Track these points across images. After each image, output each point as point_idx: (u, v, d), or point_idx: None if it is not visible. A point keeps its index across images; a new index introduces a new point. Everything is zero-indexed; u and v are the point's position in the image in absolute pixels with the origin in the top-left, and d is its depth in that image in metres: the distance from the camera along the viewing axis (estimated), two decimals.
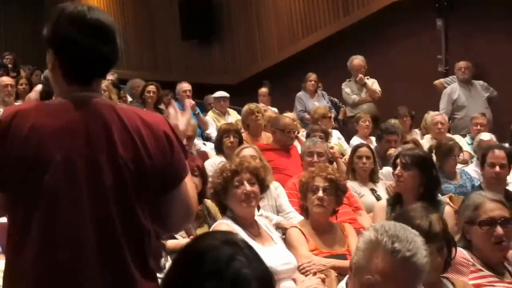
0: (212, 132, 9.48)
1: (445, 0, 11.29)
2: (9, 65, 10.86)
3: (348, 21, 12.60)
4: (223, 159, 6.51)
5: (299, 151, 7.04)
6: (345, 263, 3.98)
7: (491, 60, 10.20)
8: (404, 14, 11.60)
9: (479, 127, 8.87)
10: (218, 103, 10.53)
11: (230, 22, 14.54)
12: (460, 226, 3.90)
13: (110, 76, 12.83)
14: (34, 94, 8.66)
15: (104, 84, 9.95)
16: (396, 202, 4.81)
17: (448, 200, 5.91)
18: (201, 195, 5.16)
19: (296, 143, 7.73)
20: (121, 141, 2.25)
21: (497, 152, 5.65)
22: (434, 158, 7.29)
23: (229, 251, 2.08)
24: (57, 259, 2.22)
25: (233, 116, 10.25)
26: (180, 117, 2.71)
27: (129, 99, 11.10)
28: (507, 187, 5.90)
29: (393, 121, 8.64)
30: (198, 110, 9.67)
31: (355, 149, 6.84)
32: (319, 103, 10.63)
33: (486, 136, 7.75)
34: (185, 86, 10.43)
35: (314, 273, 4.14)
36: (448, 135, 8.85)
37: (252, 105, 8.37)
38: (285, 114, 8.52)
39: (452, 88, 10.15)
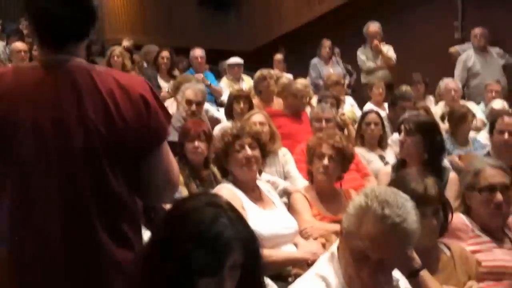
0: (226, 98, 9.48)
1: None
2: (24, 31, 10.85)
3: None
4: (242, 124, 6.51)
5: None
6: None
7: (508, 27, 10.05)
8: None
9: (493, 94, 8.79)
10: (232, 69, 10.52)
11: None
12: (460, 191, 3.89)
13: (126, 42, 12.84)
14: None
15: (118, 50, 10.03)
16: (400, 168, 4.78)
17: (457, 160, 5.89)
18: (208, 161, 5.19)
19: (308, 109, 7.72)
20: (92, 104, 2.23)
21: (507, 119, 5.56)
22: (447, 125, 7.28)
23: (212, 212, 2.10)
24: (27, 220, 2.24)
25: (247, 82, 10.24)
26: None
27: (145, 65, 11.13)
28: None
29: (404, 87, 8.59)
30: (209, 82, 9.65)
31: (364, 115, 6.83)
32: (334, 70, 10.61)
33: (498, 103, 7.69)
34: (198, 52, 10.40)
35: (315, 238, 4.16)
36: (463, 102, 8.78)
37: (264, 71, 8.36)
38: (297, 80, 8.50)
39: (467, 55, 10.02)
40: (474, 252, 3.48)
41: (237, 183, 4.10)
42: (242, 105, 7.10)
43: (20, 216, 2.25)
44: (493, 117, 5.98)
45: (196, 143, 5.18)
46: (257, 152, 4.12)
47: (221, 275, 2.06)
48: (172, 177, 2.45)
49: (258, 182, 4.24)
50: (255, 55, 13.25)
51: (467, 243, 3.56)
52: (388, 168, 5.07)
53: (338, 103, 8.06)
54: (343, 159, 4.60)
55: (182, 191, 5.18)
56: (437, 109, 8.66)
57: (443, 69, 10.12)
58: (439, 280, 3.07)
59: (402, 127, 4.75)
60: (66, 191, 2.21)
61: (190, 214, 2.10)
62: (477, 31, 9.99)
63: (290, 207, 4.51)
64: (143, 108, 2.30)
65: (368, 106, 8.88)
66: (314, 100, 8.55)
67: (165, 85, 9.52)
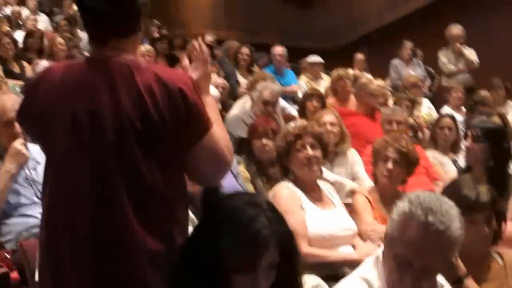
0: None
1: None
2: None
3: None
4: (305, 123, 6.53)
5: None
6: None
7: None
8: None
9: None
10: (311, 68, 10.52)
11: None
12: None
13: (208, 37, 13.02)
14: None
15: None
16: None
17: None
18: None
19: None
20: (128, 98, 2.28)
21: None
22: None
23: (251, 212, 2.14)
24: (58, 207, 2.35)
25: (326, 81, 10.21)
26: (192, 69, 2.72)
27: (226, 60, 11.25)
28: None
29: (483, 92, 8.46)
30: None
31: (438, 119, 6.78)
32: (414, 72, 10.52)
33: None
34: (278, 50, 10.44)
35: (374, 240, 4.16)
36: None
37: (341, 71, 8.34)
38: (374, 80, 8.45)
39: None
40: None
41: (298, 182, 4.14)
42: (315, 103, 7.12)
43: (53, 203, 2.36)
44: None
45: (264, 140, 5.24)
46: (318, 152, 4.14)
47: (256, 273, 2.10)
48: (222, 156, 2.43)
49: (319, 182, 4.26)
50: (336, 54, 13.21)
51: None
52: (454, 175, 5.02)
53: (413, 105, 7.98)
54: (408, 163, 4.57)
55: (248, 188, 5.26)
56: None
57: None
58: None
59: (469, 133, 4.70)
60: (97, 183, 2.28)
61: (230, 213, 2.15)
62: None
63: (352, 208, 4.52)
64: (181, 102, 2.31)
65: (445, 109, 8.77)
66: (391, 101, 8.49)
67: (244, 81, 9.60)
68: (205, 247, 2.12)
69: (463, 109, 8.69)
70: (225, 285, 2.11)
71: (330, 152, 4.63)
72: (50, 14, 13.44)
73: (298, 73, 10.94)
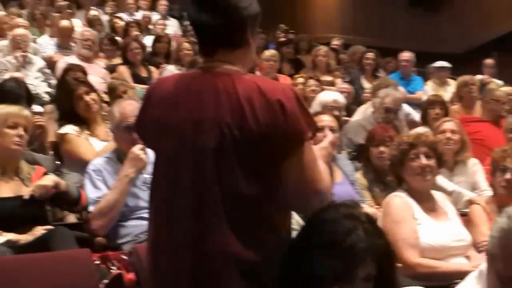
0: None
1: None
2: None
3: None
4: (427, 130, 6.47)
5: None
6: None
7: None
8: None
9: None
10: (437, 73, 10.36)
11: None
12: None
13: (335, 41, 13.04)
14: None
15: (323, 49, 10.19)
16: None
17: None
18: None
19: None
20: (228, 108, 2.33)
21: None
22: None
23: (349, 224, 2.16)
24: (156, 209, 2.51)
25: (453, 87, 10.01)
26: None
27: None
28: None
29: None
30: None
31: None
32: None
33: None
34: (406, 55, 10.34)
35: None
36: None
37: (467, 77, 8.16)
38: (501, 87, 8.23)
39: None
40: None
41: (411, 192, 4.11)
42: (437, 110, 7.02)
43: (156, 209, 2.51)
44: None
45: (381, 148, 5.24)
46: (432, 162, 4.11)
47: (353, 285, 2.13)
48: (315, 184, 2.41)
49: (433, 192, 4.22)
50: (465, 58, 12.91)
51: None
52: None
53: None
54: None
55: (365, 195, 5.28)
56: None
57: None
58: None
59: None
60: (196, 189, 2.35)
61: (327, 224, 2.18)
62: None
63: (468, 218, 4.45)
64: (279, 112, 2.31)
65: None
66: None
67: (368, 86, 9.56)
68: (302, 259, 2.17)
69: None
70: None
71: (447, 161, 4.55)
72: (180, 19, 13.76)
73: (426, 78, 10.80)
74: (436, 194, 4.25)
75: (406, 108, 8.35)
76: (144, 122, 2.60)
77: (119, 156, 4.38)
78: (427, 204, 4.11)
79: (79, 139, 5.37)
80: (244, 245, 2.32)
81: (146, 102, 2.61)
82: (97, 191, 4.27)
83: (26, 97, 5.69)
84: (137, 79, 8.40)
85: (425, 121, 7.12)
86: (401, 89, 8.23)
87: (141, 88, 7.49)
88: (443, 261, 3.93)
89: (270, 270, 2.25)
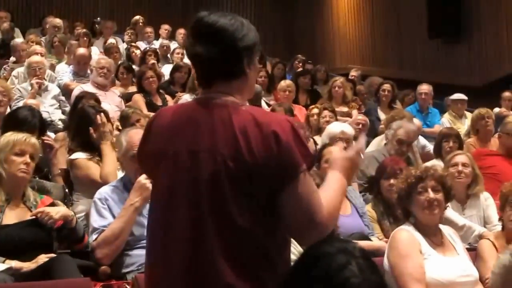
0: None
1: None
2: None
3: None
4: (441, 163, 6.43)
5: None
6: None
7: None
8: None
9: None
10: (455, 106, 10.33)
11: (479, 21, 13.91)
12: None
13: (354, 72, 13.04)
14: None
15: (340, 80, 10.18)
16: None
17: None
18: None
19: None
20: (223, 139, 2.34)
21: None
22: None
23: (342, 259, 2.14)
24: (153, 238, 2.52)
25: (470, 120, 10.00)
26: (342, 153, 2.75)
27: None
28: None
29: None
30: None
31: None
32: None
33: None
34: (424, 88, 10.33)
35: None
36: None
37: (483, 110, 8.13)
38: None
39: None
40: None
41: (418, 226, 4.08)
42: (451, 143, 6.97)
43: (152, 238, 2.53)
44: None
45: (392, 181, 5.20)
46: (440, 196, 4.07)
47: None
48: (313, 216, 2.37)
49: (441, 226, 4.19)
50: (484, 90, 12.83)
51: None
52: None
53: None
54: None
55: (375, 228, 5.24)
56: None
57: None
58: None
59: None
60: (192, 220, 2.35)
61: (321, 259, 2.15)
62: None
63: (477, 254, 4.41)
64: (274, 144, 2.31)
65: None
66: None
67: (384, 118, 9.54)
68: None
69: None
70: None
71: (458, 195, 4.50)
72: None
73: (443, 110, 10.76)
74: (444, 228, 4.21)
75: (422, 140, 8.32)
76: (144, 152, 2.63)
77: (125, 185, 4.37)
78: (435, 238, 4.08)
79: (89, 162, 5.37)
80: (239, 277, 2.30)
81: (146, 133, 2.64)
82: (102, 219, 4.25)
83: (39, 126, 5.69)
84: (152, 107, 8.40)
85: (438, 154, 7.07)
86: (417, 121, 8.20)
87: None
88: None
89: None
